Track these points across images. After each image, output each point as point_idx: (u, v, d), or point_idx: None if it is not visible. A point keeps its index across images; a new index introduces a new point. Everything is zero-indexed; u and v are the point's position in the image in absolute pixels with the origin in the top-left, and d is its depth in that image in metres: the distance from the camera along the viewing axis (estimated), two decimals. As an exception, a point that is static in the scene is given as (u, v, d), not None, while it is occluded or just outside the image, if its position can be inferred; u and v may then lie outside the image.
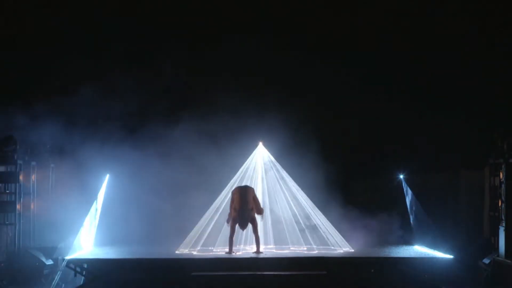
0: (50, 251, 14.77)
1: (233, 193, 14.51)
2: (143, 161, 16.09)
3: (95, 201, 15.21)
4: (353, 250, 14.74)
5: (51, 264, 14.59)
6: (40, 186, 15.70)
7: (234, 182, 15.20)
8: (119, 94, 16.32)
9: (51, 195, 15.93)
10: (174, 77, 16.66)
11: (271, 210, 15.44)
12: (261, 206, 14.66)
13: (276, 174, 15.53)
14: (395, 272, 13.55)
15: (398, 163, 16.10)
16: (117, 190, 15.76)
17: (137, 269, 13.48)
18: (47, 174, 15.99)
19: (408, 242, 15.67)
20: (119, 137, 15.90)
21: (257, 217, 14.49)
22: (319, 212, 15.25)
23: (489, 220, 15.63)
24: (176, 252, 14.66)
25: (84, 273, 13.67)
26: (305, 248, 15.00)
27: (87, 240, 14.90)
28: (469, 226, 16.35)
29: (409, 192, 15.86)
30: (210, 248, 14.85)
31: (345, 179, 16.45)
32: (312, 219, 15.22)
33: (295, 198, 15.34)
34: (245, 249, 15.04)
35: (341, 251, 14.70)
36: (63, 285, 14.51)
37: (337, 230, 15.13)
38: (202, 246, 14.86)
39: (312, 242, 15.04)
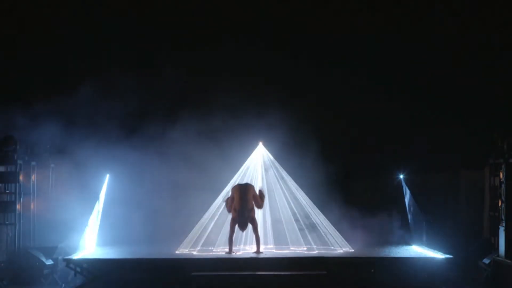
0: (50, 251, 14.77)
1: (233, 190, 14.49)
2: (143, 161, 16.10)
3: (97, 201, 15.22)
4: (353, 250, 14.74)
5: (51, 264, 14.58)
6: (40, 186, 15.69)
7: (234, 182, 15.18)
8: (119, 94, 16.32)
9: (51, 195, 15.92)
10: (174, 77, 16.65)
11: (271, 210, 15.43)
12: (262, 202, 14.60)
13: (276, 174, 15.53)
14: (395, 272, 13.55)
15: (398, 163, 16.10)
16: (117, 190, 15.76)
17: (137, 269, 13.48)
18: (47, 174, 15.99)
19: (408, 242, 15.67)
20: (119, 137, 15.90)
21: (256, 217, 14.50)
22: (319, 212, 15.26)
23: (489, 220, 15.63)
24: (176, 252, 14.67)
25: (84, 273, 13.66)
26: (305, 248, 15.00)
27: (89, 240, 14.90)
28: (469, 226, 16.35)
29: (408, 192, 15.86)
30: (210, 248, 14.85)
31: (345, 179, 16.45)
32: (312, 218, 15.22)
33: (295, 197, 15.34)
34: (245, 249, 15.04)
35: (341, 251, 14.70)
36: (63, 285, 14.52)
37: (337, 230, 15.13)
38: (202, 246, 14.86)
39: (312, 242, 15.03)
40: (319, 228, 15.15)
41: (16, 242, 14.84)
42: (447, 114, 16.61)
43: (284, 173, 15.52)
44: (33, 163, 15.51)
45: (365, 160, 16.59)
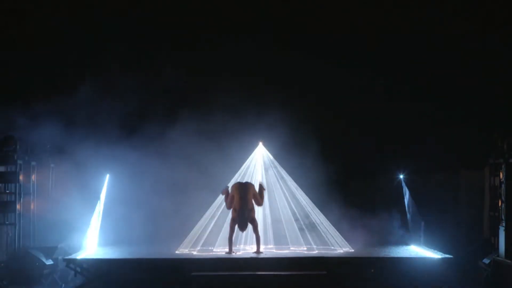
0: (50, 251, 14.77)
1: (232, 189, 14.48)
2: (143, 161, 16.09)
3: (98, 201, 15.23)
4: (353, 250, 14.75)
5: (51, 264, 14.59)
6: (40, 186, 15.70)
7: (235, 182, 15.17)
8: (119, 94, 16.32)
9: (51, 195, 15.94)
10: (174, 77, 16.66)
11: (271, 210, 15.43)
12: (262, 199, 14.59)
13: (276, 174, 15.53)
14: (395, 272, 13.55)
15: (398, 163, 16.10)
16: (117, 190, 15.76)
17: (137, 269, 13.48)
18: (47, 174, 16.00)
19: (408, 242, 15.66)
20: (119, 137, 15.90)
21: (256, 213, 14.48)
22: (319, 211, 15.26)
23: (489, 220, 15.64)
24: (176, 252, 14.67)
25: (84, 273, 13.66)
26: (305, 248, 15.00)
27: (90, 240, 14.92)
28: (469, 226, 16.35)
29: (407, 192, 15.86)
30: (210, 248, 14.85)
31: (345, 179, 16.44)
32: (312, 218, 15.21)
33: (295, 197, 15.34)
34: (245, 249, 15.05)
35: (341, 251, 14.70)
36: (63, 285, 14.52)
37: (337, 230, 15.13)
38: (202, 246, 14.86)
39: (312, 242, 15.04)
40: (319, 228, 15.16)
41: (16, 242, 14.84)
42: (447, 114, 16.60)
43: (284, 173, 15.52)
44: (33, 163, 15.51)
45: (365, 160, 16.59)
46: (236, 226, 14.24)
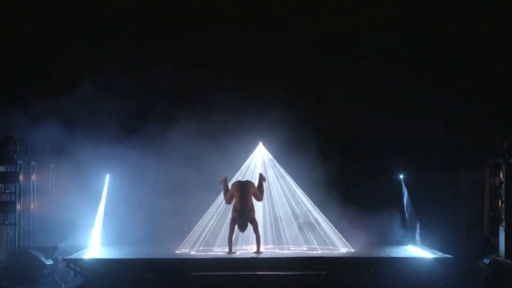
0: (50, 251, 14.77)
1: (232, 187, 14.48)
2: (143, 161, 16.09)
3: (101, 201, 15.24)
4: (353, 250, 14.75)
5: (51, 264, 14.59)
6: (40, 186, 15.70)
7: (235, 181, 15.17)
8: (119, 94, 16.32)
9: (51, 195, 15.93)
10: (174, 76, 16.66)
11: (271, 209, 15.43)
12: (262, 194, 14.58)
13: (276, 173, 15.53)
14: (395, 272, 13.55)
15: (398, 163, 16.10)
16: (117, 190, 15.76)
17: (137, 269, 13.48)
18: (47, 174, 15.99)
19: (408, 242, 15.66)
20: (119, 137, 15.90)
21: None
22: (319, 211, 15.25)
23: (489, 220, 15.63)
24: (176, 252, 14.67)
25: (84, 273, 13.66)
26: (305, 248, 15.00)
27: (91, 240, 14.94)
28: (469, 226, 16.35)
29: (405, 192, 15.85)
30: (210, 248, 14.85)
31: (345, 178, 16.43)
32: (312, 218, 15.21)
33: (294, 197, 15.34)
34: (245, 249, 15.05)
35: (341, 251, 14.70)
36: (63, 285, 14.52)
37: (337, 229, 15.13)
38: (202, 246, 14.87)
39: (312, 242, 15.04)
40: (319, 228, 15.16)
41: (16, 242, 14.84)
42: (447, 114, 16.60)
43: (284, 173, 15.52)
44: (33, 163, 15.51)
45: (365, 160, 16.58)
46: (236, 226, 14.23)
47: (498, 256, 14.11)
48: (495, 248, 14.55)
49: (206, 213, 15.17)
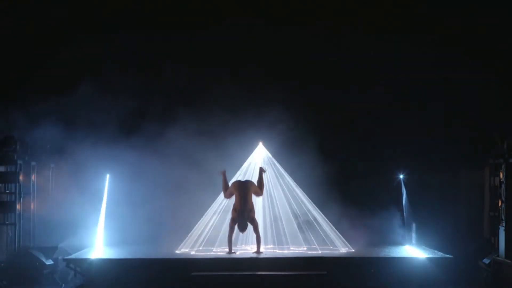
0: (50, 251, 14.78)
1: (232, 187, 14.47)
2: (143, 161, 16.09)
3: (103, 201, 15.25)
4: (353, 250, 14.75)
5: (51, 264, 14.59)
6: (40, 186, 15.70)
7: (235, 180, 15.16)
8: (119, 93, 16.31)
9: (51, 195, 15.93)
10: (174, 76, 16.66)
11: (271, 209, 15.43)
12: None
13: (276, 173, 15.53)
14: (395, 272, 13.56)
15: (398, 163, 16.09)
16: (117, 190, 15.76)
17: (137, 269, 13.49)
18: (47, 174, 16.00)
19: (408, 242, 15.66)
20: (119, 137, 15.90)
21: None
22: (319, 211, 15.26)
23: (489, 220, 15.63)
24: (176, 252, 14.67)
25: (84, 273, 13.66)
26: (305, 248, 15.00)
27: (92, 239, 14.94)
28: (469, 226, 16.35)
29: (404, 192, 15.85)
30: (210, 248, 14.85)
31: (345, 178, 16.43)
32: (311, 218, 15.21)
33: (294, 197, 15.34)
34: (245, 249, 15.05)
35: (341, 251, 14.70)
36: (63, 285, 14.52)
37: (337, 229, 15.13)
38: (202, 246, 14.87)
39: (312, 242, 15.04)
40: (318, 227, 15.16)
41: (16, 242, 14.84)
42: (447, 114, 16.60)
43: (284, 172, 15.52)
44: (33, 163, 15.51)
45: (365, 160, 16.58)
46: (236, 226, 14.23)
47: (498, 256, 14.11)
48: (495, 248, 14.55)
49: (206, 213, 15.17)
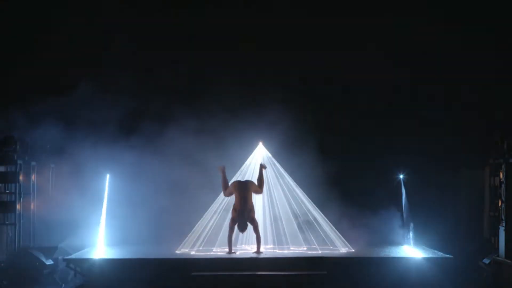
0: (50, 251, 14.77)
1: (231, 186, 14.47)
2: (143, 161, 16.09)
3: (103, 201, 15.26)
4: (353, 250, 14.75)
5: (51, 264, 14.58)
6: (40, 186, 15.70)
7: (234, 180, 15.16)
8: (119, 93, 16.31)
9: (51, 195, 15.93)
10: (174, 76, 16.67)
11: (271, 209, 15.43)
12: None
13: (276, 173, 15.53)
14: (395, 272, 13.56)
15: (398, 163, 16.09)
16: (117, 190, 15.76)
17: (137, 269, 13.48)
18: (47, 174, 16.00)
19: (408, 242, 15.66)
20: (119, 137, 15.90)
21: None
22: (319, 211, 15.26)
23: (489, 220, 15.64)
24: (176, 252, 14.67)
25: (84, 273, 13.66)
26: (305, 248, 15.00)
27: (100, 238, 14.96)
28: (469, 226, 16.35)
29: (404, 192, 15.84)
30: (210, 248, 14.85)
31: (345, 178, 16.43)
32: (311, 218, 15.21)
33: (294, 197, 15.34)
34: (245, 249, 15.05)
35: (341, 251, 14.70)
36: (63, 285, 14.52)
37: (337, 229, 15.13)
38: (202, 246, 14.87)
39: (312, 242, 15.04)
40: (318, 227, 15.16)
41: (16, 242, 14.84)
42: (447, 114, 16.60)
43: (284, 172, 15.52)
44: (33, 163, 15.51)
45: (365, 160, 16.58)
46: (236, 227, 14.23)
47: (498, 256, 14.11)
48: (495, 248, 14.55)
49: (206, 213, 15.17)
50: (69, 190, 15.71)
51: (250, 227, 14.32)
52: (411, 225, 15.28)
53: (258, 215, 15.01)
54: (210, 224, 15.05)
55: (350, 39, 16.73)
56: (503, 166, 14.23)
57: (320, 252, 14.59)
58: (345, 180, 16.36)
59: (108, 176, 15.58)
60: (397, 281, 13.47)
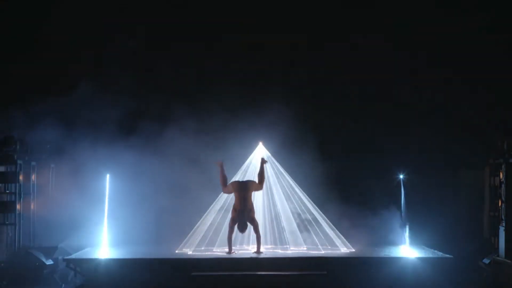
0: (50, 251, 14.78)
1: (231, 186, 14.46)
2: (143, 161, 16.09)
3: (104, 201, 15.28)
4: (353, 250, 14.75)
5: (51, 264, 14.59)
6: (40, 186, 15.71)
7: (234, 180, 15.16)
8: (119, 93, 16.31)
9: (51, 195, 15.93)
10: (174, 76, 16.67)
11: (271, 209, 15.43)
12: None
13: (276, 173, 15.53)
14: (395, 272, 13.55)
15: (398, 163, 16.09)
16: (117, 190, 15.75)
17: (137, 269, 13.49)
18: (47, 174, 16.00)
19: (408, 242, 15.65)
20: (118, 137, 15.90)
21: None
22: (319, 211, 15.26)
23: (489, 220, 15.64)
24: (176, 252, 14.67)
25: (84, 273, 13.66)
26: (305, 248, 15.00)
27: (100, 239, 14.98)
28: (469, 226, 16.36)
29: (403, 192, 15.84)
30: (210, 248, 14.85)
31: (345, 178, 16.44)
32: (311, 218, 15.21)
33: (294, 197, 15.34)
34: (245, 249, 15.05)
35: (341, 251, 14.70)
36: (63, 285, 14.52)
37: (337, 229, 15.13)
38: (202, 246, 14.87)
39: (312, 242, 15.04)
40: (318, 227, 15.15)
41: (16, 242, 14.85)
42: (447, 114, 16.61)
43: (284, 172, 15.52)
44: (33, 163, 15.52)
45: (365, 160, 16.58)
46: (236, 227, 14.23)
47: (498, 256, 14.11)
48: (495, 248, 14.56)
49: (206, 213, 15.17)
50: (69, 190, 15.72)
51: (250, 227, 14.32)
52: (407, 225, 15.27)
53: (258, 215, 15.01)
54: (210, 224, 15.05)
55: (350, 39, 16.73)
56: (503, 166, 14.24)
57: (320, 252, 14.58)
58: (345, 180, 16.36)
59: (108, 176, 15.58)
60: (396, 281, 13.46)
